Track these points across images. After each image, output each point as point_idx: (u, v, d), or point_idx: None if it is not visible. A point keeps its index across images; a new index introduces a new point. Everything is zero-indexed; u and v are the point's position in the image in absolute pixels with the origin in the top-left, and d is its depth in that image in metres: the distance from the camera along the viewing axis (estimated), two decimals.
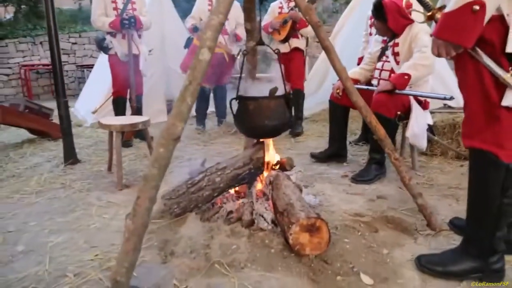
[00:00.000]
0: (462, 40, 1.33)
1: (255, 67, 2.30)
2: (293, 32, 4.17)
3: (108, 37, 3.89)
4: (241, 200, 2.09)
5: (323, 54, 5.61)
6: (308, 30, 4.11)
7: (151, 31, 4.33)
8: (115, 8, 3.87)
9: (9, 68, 8.11)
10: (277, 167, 2.23)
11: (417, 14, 1.84)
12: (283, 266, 1.62)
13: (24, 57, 8.27)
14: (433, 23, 1.58)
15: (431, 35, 1.45)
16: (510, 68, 1.34)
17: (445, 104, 4.06)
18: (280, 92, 2.00)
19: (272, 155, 2.26)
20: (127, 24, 3.77)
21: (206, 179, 2.07)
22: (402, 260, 1.68)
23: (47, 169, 3.13)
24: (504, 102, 1.35)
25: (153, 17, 4.38)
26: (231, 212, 2.01)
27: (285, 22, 4.11)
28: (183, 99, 1.60)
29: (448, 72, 4.86)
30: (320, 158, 3.32)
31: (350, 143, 3.87)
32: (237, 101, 2.05)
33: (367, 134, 3.86)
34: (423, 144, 2.84)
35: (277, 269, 1.61)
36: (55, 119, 4.44)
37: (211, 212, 2.06)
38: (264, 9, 5.08)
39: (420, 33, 2.74)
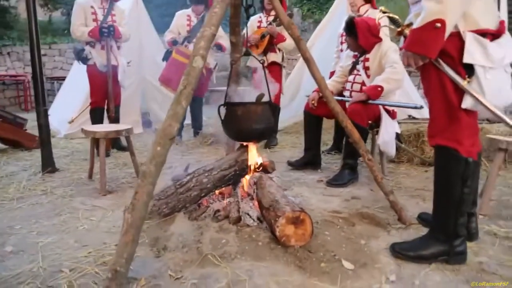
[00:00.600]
0: (427, 52, 1.55)
1: (240, 76, 2.45)
2: (271, 47, 4.30)
3: (87, 48, 3.93)
4: (227, 200, 2.21)
5: (295, 70, 5.88)
6: (285, 45, 4.26)
7: (129, 42, 4.41)
8: (95, 20, 3.93)
9: None
10: (260, 169, 2.37)
11: (387, 29, 2.09)
12: (271, 256, 1.75)
13: None
14: (402, 39, 1.82)
15: (400, 49, 1.67)
16: (466, 76, 1.57)
17: (409, 116, 4.37)
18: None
19: (255, 159, 2.40)
20: (106, 33, 3.84)
21: (194, 180, 2.17)
22: (378, 249, 1.85)
23: (25, 177, 3.10)
24: (463, 105, 1.58)
25: (131, 30, 4.47)
26: (218, 210, 2.12)
27: (263, 36, 4.25)
28: (178, 102, 1.73)
29: (412, 88, 5.24)
30: (297, 165, 3.49)
31: (323, 152, 4.07)
32: (225, 107, 2.19)
33: (339, 144, 4.10)
34: (392, 151, 3.08)
35: (266, 259, 1.73)
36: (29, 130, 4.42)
37: (198, 211, 2.16)
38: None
39: (389, 50, 3.01)
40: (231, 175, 2.24)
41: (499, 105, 1.60)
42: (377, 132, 3.05)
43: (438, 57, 1.58)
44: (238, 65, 2.40)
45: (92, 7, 3.90)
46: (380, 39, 3.08)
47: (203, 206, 2.22)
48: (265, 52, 4.33)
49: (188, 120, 5.19)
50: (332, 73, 4.17)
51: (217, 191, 2.31)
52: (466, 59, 1.54)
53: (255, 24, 4.49)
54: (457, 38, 1.56)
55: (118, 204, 2.50)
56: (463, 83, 1.57)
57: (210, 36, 1.82)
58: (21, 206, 2.46)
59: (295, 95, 5.95)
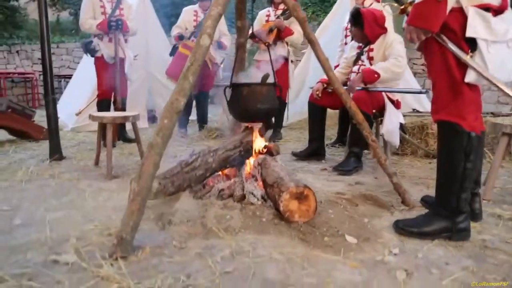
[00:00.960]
0: (429, 26, 1.57)
1: (245, 60, 2.49)
2: (278, 40, 4.33)
3: (95, 40, 4.00)
4: (232, 180, 2.23)
5: (300, 66, 5.92)
6: (293, 38, 4.31)
7: (136, 38, 4.48)
8: (103, 13, 4.00)
9: None
10: (265, 151, 2.39)
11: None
12: (275, 230, 1.77)
13: None
14: (405, 20, 1.84)
15: (403, 29, 1.69)
16: (469, 50, 1.59)
17: (414, 109, 4.39)
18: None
19: (259, 141, 2.42)
20: (114, 26, 3.90)
21: (200, 160, 2.20)
22: (381, 226, 1.86)
23: (33, 164, 3.15)
24: (466, 79, 1.60)
25: (139, 26, 4.54)
26: (222, 189, 2.14)
27: (270, 30, 4.28)
28: (186, 77, 1.77)
29: (416, 85, 5.26)
30: (301, 156, 3.51)
31: (327, 145, 4.09)
32: (231, 88, 2.22)
33: (343, 138, 4.11)
34: (396, 140, 3.08)
35: (269, 233, 1.75)
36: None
37: (203, 191, 2.19)
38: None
39: (395, 42, 3.03)
40: (236, 156, 2.26)
41: (502, 79, 1.62)
42: (381, 121, 3.06)
43: (440, 32, 1.60)
44: (243, 50, 2.44)
45: (101, 0, 3.98)
46: (385, 30, 3.10)
47: (208, 186, 2.24)
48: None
49: (193, 116, 5.25)
50: (336, 67, 4.19)
51: (222, 172, 2.34)
52: (469, 33, 1.56)
53: (263, 18, 4.52)
54: (460, 13, 1.58)
55: (124, 187, 2.51)
56: (466, 57, 1.59)
57: (217, 15, 1.86)
58: (29, 188, 2.50)
59: (299, 92, 5.99)
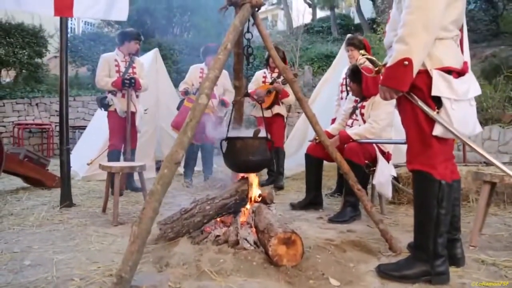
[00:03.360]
0: (399, 86, 1.78)
1: (242, 116, 2.73)
2: (276, 101, 4.81)
3: (109, 96, 4.34)
4: (228, 226, 2.38)
5: (301, 120, 6.22)
6: (288, 99, 4.81)
7: (148, 93, 4.84)
8: (118, 71, 4.38)
9: (3, 126, 8.44)
10: (259, 199, 2.55)
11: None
12: (264, 273, 1.89)
13: (19, 116, 8.67)
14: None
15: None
16: (436, 107, 1.79)
17: None
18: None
19: (255, 190, 2.59)
20: (128, 84, 4.25)
21: (198, 207, 2.37)
22: (366, 271, 1.97)
23: (44, 210, 3.34)
24: (434, 132, 1.79)
25: (150, 82, 4.92)
26: (218, 236, 2.29)
27: (269, 92, 4.77)
28: (185, 132, 1.99)
29: None
30: (299, 207, 3.63)
31: (326, 195, 4.23)
32: (226, 141, 2.44)
33: (342, 187, 4.25)
34: (388, 192, 3.21)
35: (259, 276, 1.87)
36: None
37: (201, 237, 2.33)
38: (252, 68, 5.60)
39: (381, 103, 3.21)
40: (232, 204, 2.43)
41: (466, 133, 1.80)
42: (374, 172, 3.22)
43: (410, 91, 1.82)
44: (240, 106, 2.69)
45: (116, 60, 4.38)
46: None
47: (205, 232, 2.38)
48: (271, 106, 4.79)
49: (199, 167, 5.46)
50: (333, 120, 4.46)
51: (218, 219, 2.49)
52: (434, 92, 1.77)
53: (260, 79, 5.00)
54: (426, 75, 1.80)
55: (128, 233, 2.62)
56: (433, 113, 1.79)
57: (214, 78, 2.12)
58: (40, 232, 2.68)
59: (301, 144, 6.23)
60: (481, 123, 6.84)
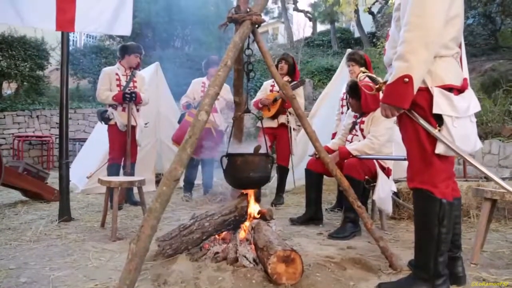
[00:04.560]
0: (400, 103, 1.78)
1: (242, 132, 2.73)
2: (282, 110, 4.64)
3: (109, 109, 4.35)
4: (227, 243, 2.36)
5: (300, 135, 6.22)
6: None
7: (148, 107, 4.86)
8: (119, 85, 4.40)
9: (3, 138, 8.47)
10: (259, 216, 2.53)
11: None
12: None
13: (19, 128, 8.71)
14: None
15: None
16: (437, 125, 1.79)
17: None
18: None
19: (254, 206, 2.57)
20: (129, 98, 4.27)
21: (197, 224, 2.35)
22: None
23: (42, 224, 3.32)
24: (437, 150, 1.78)
25: (151, 96, 4.94)
26: (217, 253, 2.26)
27: (275, 100, 4.61)
28: (184, 149, 1.99)
29: None
30: (298, 222, 3.61)
31: (326, 209, 4.21)
32: (227, 158, 2.43)
33: (342, 202, 4.23)
34: (388, 208, 3.20)
35: None
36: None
37: (199, 253, 2.31)
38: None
39: (380, 119, 3.21)
40: (231, 220, 2.41)
41: (468, 150, 1.80)
42: (374, 187, 3.21)
43: (411, 108, 1.82)
44: (241, 122, 2.69)
45: (117, 74, 4.40)
46: (378, 106, 3.35)
47: (204, 249, 2.36)
48: (276, 115, 4.66)
49: (199, 180, 5.45)
50: (334, 135, 4.45)
51: (218, 236, 2.47)
52: (435, 110, 1.77)
53: (268, 87, 4.88)
54: (427, 93, 1.80)
55: (126, 249, 2.63)
56: (434, 131, 1.78)
57: (214, 94, 2.13)
58: (37, 247, 2.65)
59: (303, 157, 6.21)
60: (481, 137, 6.84)
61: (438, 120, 1.79)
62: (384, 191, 3.15)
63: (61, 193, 3.54)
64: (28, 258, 2.40)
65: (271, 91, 4.85)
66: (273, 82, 4.89)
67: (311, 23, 19.95)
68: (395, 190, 3.43)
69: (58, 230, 3.14)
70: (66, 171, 3.56)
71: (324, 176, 3.67)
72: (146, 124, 4.76)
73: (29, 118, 8.88)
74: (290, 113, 4.72)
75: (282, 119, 4.70)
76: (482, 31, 11.69)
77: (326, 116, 5.68)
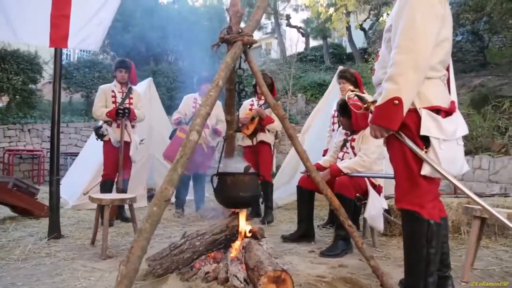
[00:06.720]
0: (390, 125, 1.81)
1: (234, 150, 2.75)
2: (260, 127, 4.60)
3: (104, 125, 4.36)
4: (218, 262, 2.35)
5: (292, 150, 6.24)
6: (274, 126, 4.60)
7: (142, 123, 4.86)
8: (114, 102, 4.41)
9: None
10: (250, 235, 2.53)
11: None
12: None
13: (10, 142, 8.62)
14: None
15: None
16: (424, 147, 1.82)
17: None
18: None
19: (245, 225, 2.57)
20: (121, 114, 4.28)
21: (188, 243, 2.35)
22: None
23: (31, 242, 3.27)
24: (422, 172, 1.81)
25: (145, 111, 4.94)
26: (208, 272, 2.25)
27: (252, 118, 4.58)
28: (175, 169, 2.00)
29: None
30: (290, 239, 3.60)
31: (318, 226, 4.21)
32: (217, 176, 2.44)
33: (334, 218, 4.23)
34: (380, 225, 3.22)
35: None
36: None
37: (190, 273, 2.29)
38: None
39: (371, 136, 3.27)
40: (222, 239, 2.41)
41: (454, 172, 1.83)
42: (365, 205, 3.23)
43: (399, 130, 1.85)
44: (232, 140, 2.71)
45: (113, 91, 4.43)
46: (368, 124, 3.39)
47: (195, 269, 2.35)
48: (255, 133, 4.57)
49: (191, 196, 5.42)
50: (325, 151, 4.49)
51: (209, 255, 2.46)
52: (423, 132, 1.80)
53: (247, 106, 4.85)
54: (415, 114, 1.83)
55: (116, 267, 2.61)
56: (421, 153, 1.81)
57: (205, 114, 2.15)
58: (25, 266, 2.61)
59: (294, 173, 6.22)
60: (471, 152, 6.87)
61: (426, 141, 1.82)
62: (375, 208, 3.17)
63: (51, 210, 3.50)
64: (15, 278, 2.36)
65: (250, 109, 4.80)
66: (252, 101, 4.88)
67: (303, 39, 20.23)
68: (386, 207, 3.45)
69: (47, 248, 3.10)
70: (56, 187, 3.53)
71: (316, 193, 3.68)
72: (141, 140, 4.76)
73: (20, 131, 8.81)
74: (268, 131, 4.69)
75: (261, 136, 4.63)
76: (471, 47, 11.94)
77: (318, 132, 5.73)
